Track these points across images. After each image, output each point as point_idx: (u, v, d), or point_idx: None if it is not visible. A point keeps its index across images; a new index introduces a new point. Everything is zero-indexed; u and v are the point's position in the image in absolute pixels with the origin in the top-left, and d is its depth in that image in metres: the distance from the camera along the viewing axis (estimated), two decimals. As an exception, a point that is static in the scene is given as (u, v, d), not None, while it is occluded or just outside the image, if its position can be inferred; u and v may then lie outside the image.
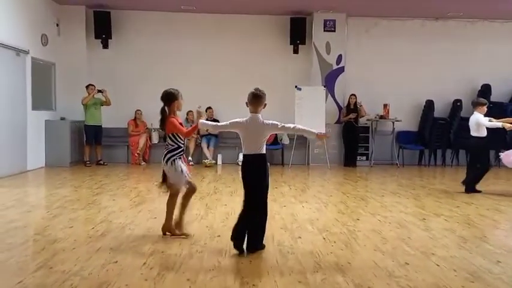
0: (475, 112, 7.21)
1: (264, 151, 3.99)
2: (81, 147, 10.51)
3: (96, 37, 10.94)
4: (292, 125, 4.10)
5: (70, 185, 7.72)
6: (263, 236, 4.07)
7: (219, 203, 6.25)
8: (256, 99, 3.99)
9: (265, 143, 4.00)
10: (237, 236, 3.96)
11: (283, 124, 4.02)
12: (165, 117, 4.36)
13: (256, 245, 4.00)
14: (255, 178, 3.97)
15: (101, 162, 10.47)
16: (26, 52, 9.09)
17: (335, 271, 3.57)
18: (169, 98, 4.38)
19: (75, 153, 10.35)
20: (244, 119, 4.02)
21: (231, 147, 11.14)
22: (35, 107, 9.53)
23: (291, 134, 10.83)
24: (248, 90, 13.21)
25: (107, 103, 10.37)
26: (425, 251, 4.14)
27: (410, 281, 3.38)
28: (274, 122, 4.01)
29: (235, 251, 3.95)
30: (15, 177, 8.38)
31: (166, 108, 4.38)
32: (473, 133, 7.18)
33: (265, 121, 3.98)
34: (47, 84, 10.36)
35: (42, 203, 6.59)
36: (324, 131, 4.21)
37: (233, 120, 4.10)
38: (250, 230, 3.96)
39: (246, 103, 4.04)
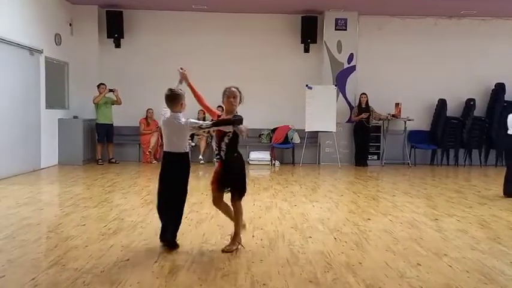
0: None
1: (186, 149, 4.01)
2: (93, 145, 10.61)
3: (109, 36, 11.02)
4: (208, 122, 3.99)
5: (82, 183, 7.81)
6: (174, 232, 4.05)
7: (229, 202, 6.24)
8: (170, 100, 3.97)
9: (184, 142, 4.01)
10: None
11: (201, 123, 4.07)
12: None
13: (169, 239, 4.04)
14: (174, 178, 4.00)
15: (113, 160, 10.56)
16: (40, 51, 9.20)
17: (346, 271, 3.55)
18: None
19: (87, 151, 10.45)
20: (167, 114, 4.02)
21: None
22: (49, 105, 9.64)
23: (302, 133, 10.82)
24: (259, 88, 13.16)
25: (117, 102, 10.46)
26: (438, 251, 4.11)
27: (422, 282, 3.35)
28: (194, 121, 4.04)
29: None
30: (29, 175, 8.49)
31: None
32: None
33: (186, 120, 3.95)
34: (60, 83, 10.48)
35: (55, 200, 6.67)
36: (245, 130, 3.95)
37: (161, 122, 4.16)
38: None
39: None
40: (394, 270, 3.58)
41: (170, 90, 3.99)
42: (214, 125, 3.96)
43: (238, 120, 3.87)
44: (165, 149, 4.06)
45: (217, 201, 4.20)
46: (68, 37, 10.58)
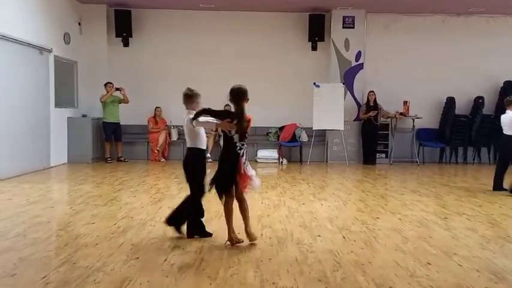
0: (507, 110, 7.09)
1: (198, 145, 4.30)
2: (102, 143, 10.68)
3: (117, 35, 11.09)
4: (199, 118, 4.10)
5: (92, 181, 7.86)
6: (185, 222, 4.37)
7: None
8: (185, 98, 4.36)
9: (196, 137, 4.28)
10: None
11: (195, 118, 4.11)
12: (246, 117, 4.05)
13: (190, 231, 4.37)
14: (188, 171, 4.34)
15: (122, 158, 10.63)
16: (49, 51, 9.27)
17: (355, 270, 3.55)
18: (244, 95, 4.09)
19: (96, 149, 10.52)
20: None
21: (249, 144, 11.13)
22: (58, 104, 9.71)
23: (309, 131, 10.80)
24: (267, 87, 13.16)
25: (124, 101, 10.51)
26: (447, 250, 4.09)
27: (432, 281, 3.34)
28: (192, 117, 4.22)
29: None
30: (39, 173, 8.57)
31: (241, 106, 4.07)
32: (506, 131, 7.04)
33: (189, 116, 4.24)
34: (69, 82, 10.55)
35: (65, 198, 6.72)
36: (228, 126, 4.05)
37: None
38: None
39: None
40: (403, 270, 3.57)
41: (189, 89, 4.38)
42: (196, 115, 4.11)
43: (202, 112, 4.11)
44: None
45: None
46: (77, 36, 10.65)
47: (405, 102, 10.95)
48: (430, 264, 3.71)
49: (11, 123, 7.93)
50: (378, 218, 5.39)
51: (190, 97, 4.34)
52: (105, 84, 10.36)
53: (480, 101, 11.09)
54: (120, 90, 10.39)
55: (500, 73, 11.17)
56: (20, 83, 8.27)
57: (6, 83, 7.81)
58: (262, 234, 4.53)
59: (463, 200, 6.52)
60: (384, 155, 11.16)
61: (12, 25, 7.97)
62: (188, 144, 4.36)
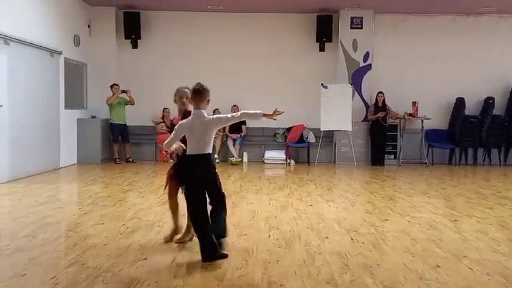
0: None
1: (209, 150, 3.75)
2: (111, 144, 10.74)
3: (126, 37, 11.15)
4: (236, 114, 3.89)
5: (101, 182, 7.91)
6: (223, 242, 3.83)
7: (245, 201, 6.27)
8: (196, 95, 3.74)
9: (211, 141, 3.78)
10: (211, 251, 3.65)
11: (227, 115, 3.90)
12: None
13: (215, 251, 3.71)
14: (205, 179, 3.73)
15: (130, 159, 10.68)
16: (59, 53, 9.35)
17: (364, 272, 3.53)
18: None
19: (105, 150, 10.59)
20: (189, 119, 3.79)
21: (257, 145, 11.18)
22: (68, 105, 9.79)
23: (317, 132, 10.77)
24: (275, 88, 13.12)
25: (131, 103, 10.56)
26: (457, 253, 4.05)
27: (442, 284, 3.31)
28: (219, 115, 3.94)
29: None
30: (49, 174, 8.64)
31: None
32: None
33: (210, 116, 3.78)
34: (78, 83, 10.64)
35: (74, 199, 6.77)
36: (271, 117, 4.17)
37: (177, 126, 3.83)
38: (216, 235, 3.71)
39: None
40: (412, 272, 3.54)
41: (199, 84, 3.80)
42: (243, 115, 3.92)
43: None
44: (189, 152, 3.76)
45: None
46: (87, 38, 10.73)
47: (414, 103, 10.87)
48: (439, 267, 3.68)
49: (21, 125, 8.00)
50: (387, 219, 5.36)
51: (201, 93, 3.73)
52: (111, 86, 10.41)
53: (490, 101, 10.98)
54: (126, 92, 10.43)
55: (511, 73, 11.05)
56: (31, 85, 8.34)
57: (17, 85, 7.88)
58: (269, 236, 4.53)
59: (473, 202, 6.46)
60: (392, 156, 11.09)
61: (22, 28, 8.04)
62: (201, 150, 3.71)
